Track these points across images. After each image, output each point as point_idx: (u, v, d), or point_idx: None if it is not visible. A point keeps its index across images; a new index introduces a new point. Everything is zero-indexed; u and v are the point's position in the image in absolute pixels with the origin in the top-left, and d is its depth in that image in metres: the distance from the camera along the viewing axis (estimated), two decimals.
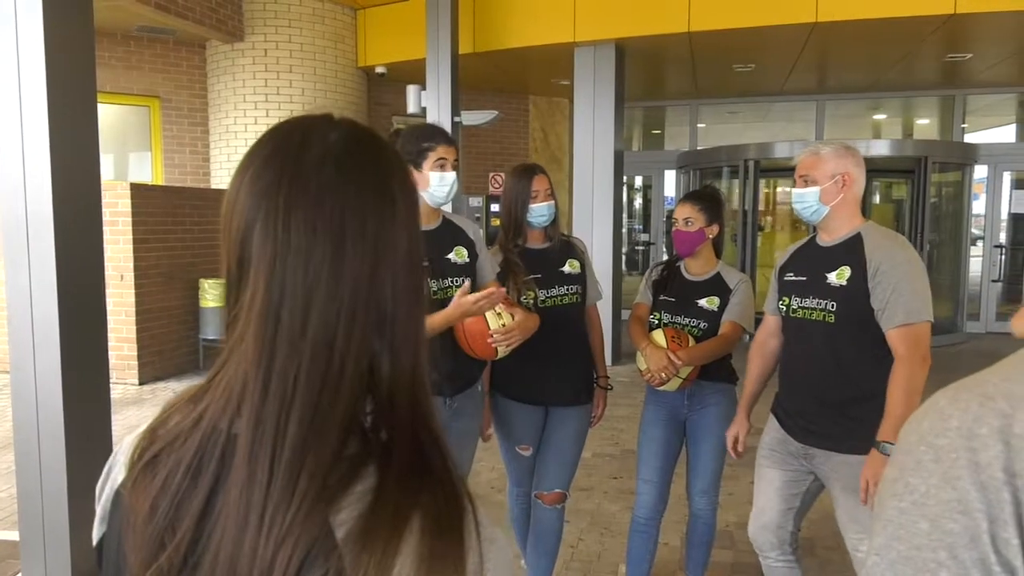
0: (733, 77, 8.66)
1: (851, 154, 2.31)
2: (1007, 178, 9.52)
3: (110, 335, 3.46)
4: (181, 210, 6.93)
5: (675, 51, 7.53)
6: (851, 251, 2.26)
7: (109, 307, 3.37)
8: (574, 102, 7.66)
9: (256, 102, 7.70)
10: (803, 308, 2.34)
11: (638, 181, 11.51)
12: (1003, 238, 9.59)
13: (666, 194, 10.62)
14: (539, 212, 2.70)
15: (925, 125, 11.50)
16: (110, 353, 3.26)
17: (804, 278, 2.35)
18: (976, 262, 9.59)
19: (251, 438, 0.59)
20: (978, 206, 9.77)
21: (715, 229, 2.78)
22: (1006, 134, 11.10)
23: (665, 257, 2.94)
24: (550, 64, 8.06)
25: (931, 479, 0.54)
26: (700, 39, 6.94)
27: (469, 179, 9.11)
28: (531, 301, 2.67)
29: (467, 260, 2.51)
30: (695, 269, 2.81)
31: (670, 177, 10.37)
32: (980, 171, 9.36)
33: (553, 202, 2.74)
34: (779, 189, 9.95)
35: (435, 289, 2.40)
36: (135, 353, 6.48)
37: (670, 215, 2.44)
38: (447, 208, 2.60)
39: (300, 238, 0.61)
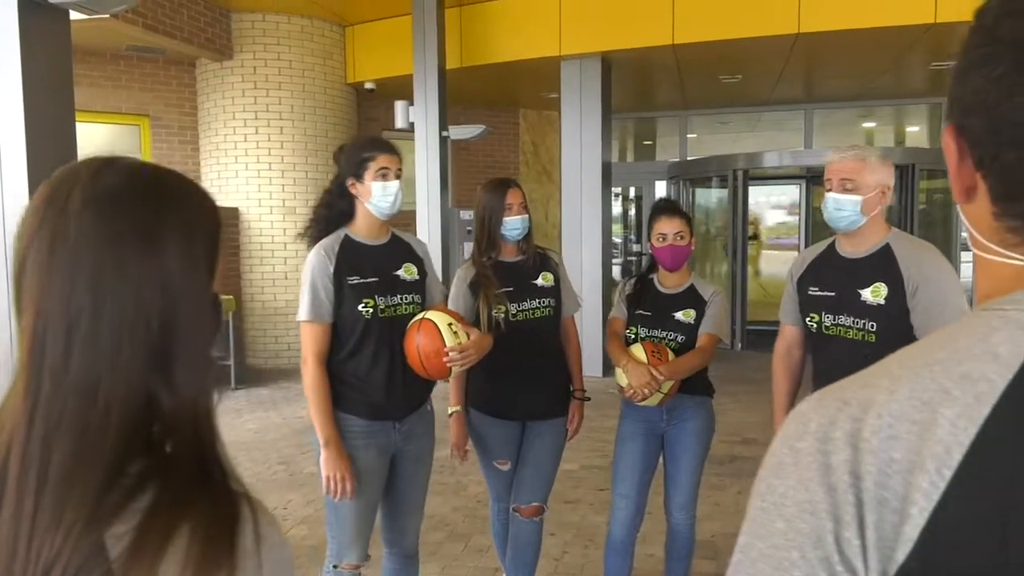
0: (721, 88, 8.71)
1: (889, 165, 2.27)
2: None
3: None
4: None
5: (661, 63, 7.58)
6: (884, 265, 2.19)
7: None
8: (561, 115, 7.70)
9: (246, 119, 7.73)
10: (837, 326, 2.27)
11: (632, 192, 11.55)
12: None
13: None
14: (512, 225, 2.72)
15: (915, 133, 11.55)
16: None
17: (833, 293, 2.28)
18: (967, 267, 9.61)
19: (18, 472, 0.64)
20: None
21: (695, 241, 2.81)
22: None
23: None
24: (538, 77, 8.11)
25: (789, 480, 0.56)
26: (685, 51, 6.99)
27: (460, 193, 9.15)
28: (502, 315, 2.68)
29: (417, 277, 2.50)
30: (670, 282, 2.81)
31: (661, 188, 10.40)
32: None
33: (527, 216, 2.75)
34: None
35: (383, 306, 2.38)
36: None
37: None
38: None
39: (61, 283, 0.66)
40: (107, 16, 6.01)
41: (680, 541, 2.86)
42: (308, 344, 2.35)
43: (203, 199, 0.76)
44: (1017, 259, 0.58)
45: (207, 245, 0.73)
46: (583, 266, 7.62)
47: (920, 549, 0.51)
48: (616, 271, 10.73)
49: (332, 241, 2.39)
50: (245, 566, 0.65)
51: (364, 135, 2.53)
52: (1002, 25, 0.56)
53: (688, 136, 10.51)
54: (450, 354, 2.32)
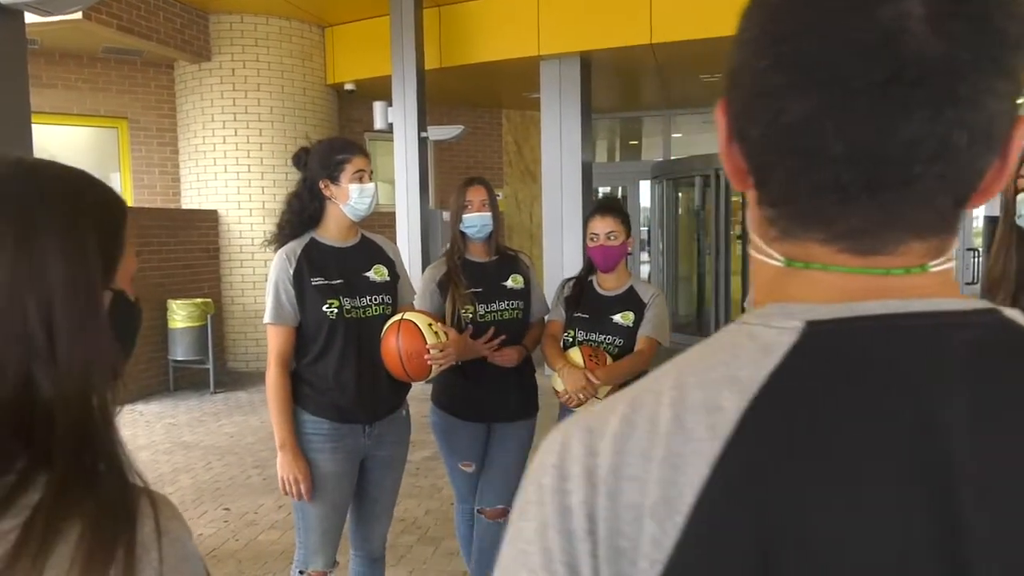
0: (703, 87, 8.71)
1: None
2: None
3: None
4: (150, 231, 6.91)
5: (641, 63, 7.57)
6: None
7: None
8: (541, 115, 7.68)
9: (225, 121, 7.69)
10: None
11: (618, 192, 11.54)
12: (977, 242, 9.64)
13: (642, 204, 10.65)
14: (470, 222, 2.70)
15: None
16: None
17: None
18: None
19: None
20: None
21: (632, 241, 2.76)
22: None
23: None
24: (519, 77, 8.09)
25: (532, 523, 0.49)
26: (664, 50, 6.98)
27: (444, 194, 9.11)
28: (469, 315, 2.66)
29: (387, 279, 2.47)
30: (608, 284, 2.76)
31: (645, 187, 10.40)
32: None
33: (488, 214, 2.72)
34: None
35: (349, 307, 2.36)
36: None
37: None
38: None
39: None
40: (80, 17, 5.98)
41: None
42: (271, 346, 2.35)
43: (98, 192, 0.75)
44: (776, 259, 0.51)
45: (100, 238, 0.73)
46: (564, 266, 7.60)
47: None
48: None
49: (296, 245, 2.37)
50: (143, 561, 0.64)
51: (333, 137, 2.50)
52: None
53: (673, 136, 10.51)
54: (431, 352, 2.32)
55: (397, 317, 2.38)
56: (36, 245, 0.68)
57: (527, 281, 2.81)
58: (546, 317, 2.89)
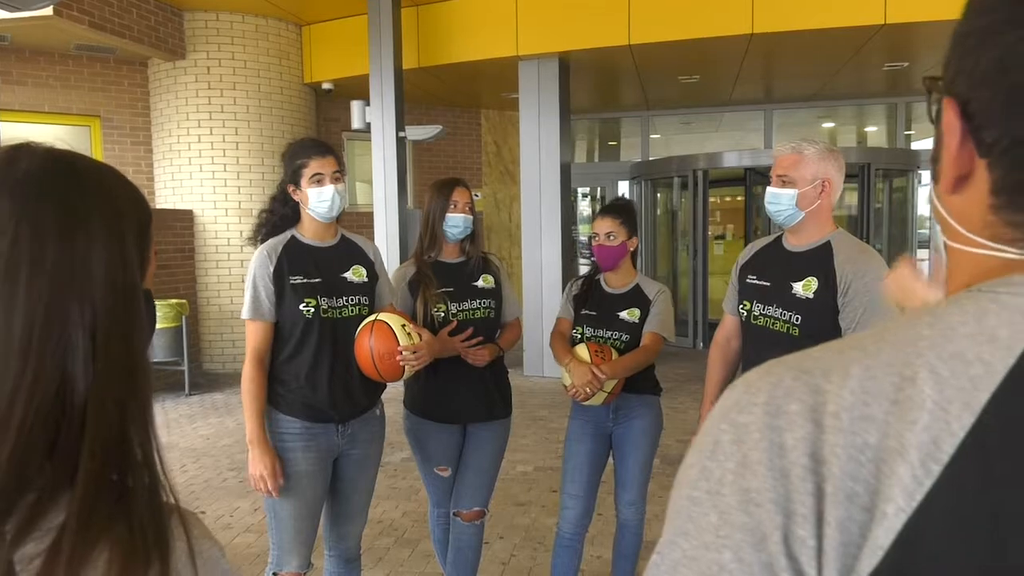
0: (681, 88, 8.75)
1: (834, 157, 2.20)
2: None
3: None
4: None
5: (619, 63, 7.59)
6: (820, 261, 2.15)
7: None
8: (520, 115, 7.67)
9: (200, 120, 7.60)
10: (765, 316, 2.25)
11: (597, 192, 11.57)
12: None
13: None
14: (454, 222, 2.69)
15: (874, 132, 11.72)
16: None
17: (767, 284, 2.27)
18: (923, 266, 9.77)
19: None
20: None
21: (635, 242, 2.79)
22: None
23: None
24: (498, 78, 8.08)
25: (728, 463, 0.46)
26: (641, 51, 7.00)
27: (423, 194, 9.08)
28: (441, 314, 2.65)
29: (366, 280, 2.47)
30: (615, 282, 2.81)
31: (623, 188, 10.43)
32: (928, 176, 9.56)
33: (471, 216, 2.73)
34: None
35: (326, 307, 2.35)
36: None
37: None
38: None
39: None
40: (51, 14, 5.88)
41: (628, 538, 2.85)
42: (248, 342, 2.35)
43: (130, 189, 0.72)
44: (1010, 252, 0.49)
45: (135, 236, 0.70)
46: (543, 266, 7.61)
47: (893, 559, 0.41)
48: (584, 271, 10.73)
49: (277, 242, 2.38)
50: None
51: (301, 138, 2.49)
52: None
53: (652, 137, 10.56)
54: (403, 354, 2.32)
55: (371, 318, 2.38)
56: (79, 242, 0.65)
57: (498, 281, 2.82)
58: (556, 315, 2.96)
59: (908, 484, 0.41)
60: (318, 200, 2.35)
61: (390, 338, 2.32)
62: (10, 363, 0.61)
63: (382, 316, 2.38)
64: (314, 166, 2.34)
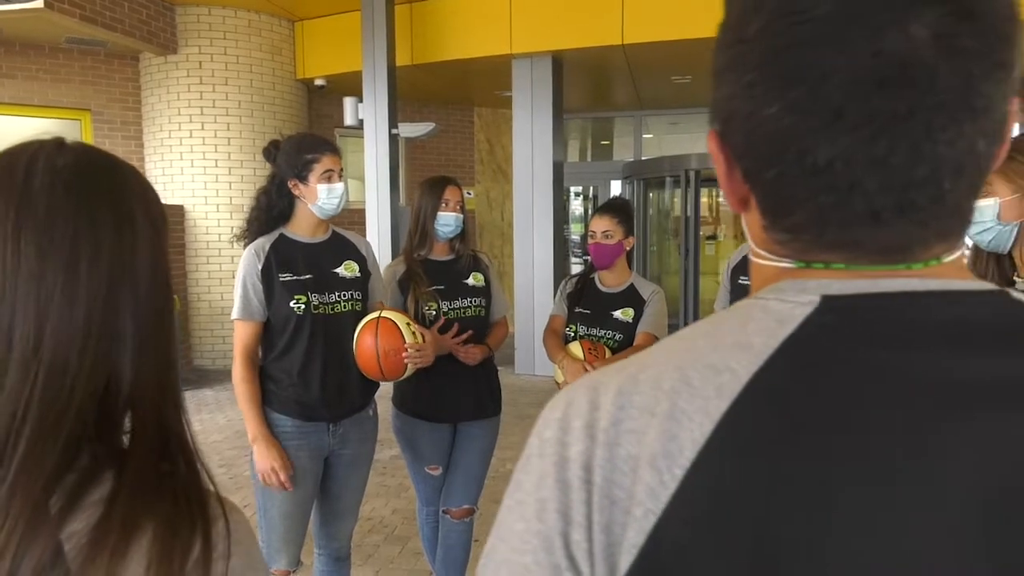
0: (674, 88, 8.76)
1: None
2: None
3: None
4: None
5: (612, 63, 7.59)
6: None
7: None
8: (513, 113, 7.67)
9: (191, 115, 7.56)
10: None
11: (591, 191, 11.58)
12: None
13: None
14: (446, 221, 2.69)
15: None
16: None
17: None
18: None
19: None
20: None
21: (631, 241, 2.80)
22: None
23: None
24: (491, 76, 8.07)
25: (532, 476, 0.50)
26: (635, 51, 7.01)
27: (415, 190, 9.07)
28: (433, 312, 2.66)
29: (358, 275, 2.46)
30: (610, 281, 2.82)
31: (616, 187, 10.44)
32: None
33: (462, 215, 2.73)
34: None
35: (317, 303, 2.34)
36: None
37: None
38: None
39: (31, 263, 0.62)
40: (41, 6, 5.84)
41: None
42: (237, 341, 2.34)
43: (153, 188, 0.75)
44: (786, 263, 0.53)
45: (165, 231, 0.73)
46: (535, 265, 7.61)
47: (645, 557, 0.45)
48: (576, 269, 10.75)
49: (264, 240, 2.36)
50: (215, 568, 0.62)
51: (304, 133, 2.48)
52: (749, 23, 0.48)
53: (644, 136, 10.57)
54: (409, 351, 2.33)
55: (374, 315, 2.37)
56: (127, 236, 0.67)
57: (488, 280, 2.83)
58: (548, 313, 2.97)
59: (655, 488, 0.45)
60: (328, 197, 2.33)
61: (396, 335, 2.33)
62: (71, 353, 0.63)
63: (387, 313, 2.38)
64: (327, 162, 2.33)
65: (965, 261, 0.52)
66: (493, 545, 0.52)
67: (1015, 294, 0.50)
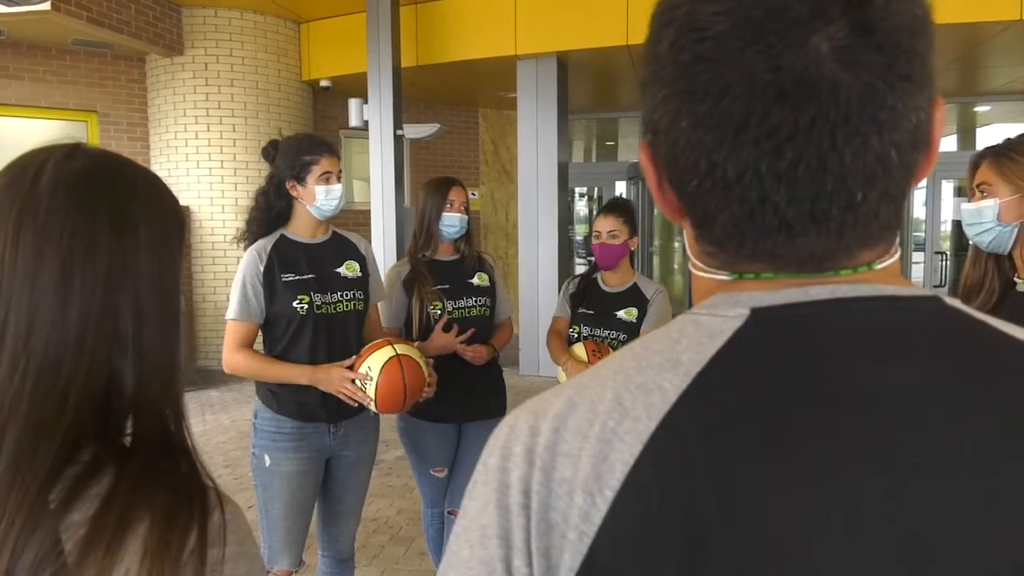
0: None
1: None
2: (947, 187, 9.75)
3: None
4: None
5: (617, 63, 7.59)
6: None
7: None
8: (518, 114, 7.68)
9: (197, 116, 7.59)
10: None
11: (595, 192, 11.59)
12: (945, 245, 9.81)
13: None
14: (450, 221, 2.70)
15: None
16: None
17: None
18: (918, 268, 9.80)
19: None
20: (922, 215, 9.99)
21: (636, 241, 2.80)
22: (947, 143, 11.39)
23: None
24: (496, 77, 8.08)
25: (476, 502, 0.51)
26: (640, 52, 6.97)
27: (419, 192, 9.07)
28: (438, 312, 2.66)
29: (359, 275, 2.46)
30: (613, 281, 2.81)
31: (621, 188, 10.44)
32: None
33: (467, 216, 2.74)
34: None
35: (319, 303, 2.34)
36: None
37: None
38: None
39: (27, 262, 0.64)
40: (48, 9, 5.87)
41: None
42: (230, 339, 2.33)
43: (171, 195, 0.77)
44: (722, 275, 0.53)
45: (175, 236, 0.74)
46: (540, 266, 7.61)
47: None
48: (581, 270, 10.74)
49: (265, 242, 2.35)
50: (210, 555, 0.63)
51: (302, 134, 2.46)
52: (661, 39, 0.49)
53: None
54: (431, 383, 2.40)
55: (390, 352, 2.28)
56: (128, 241, 0.68)
57: (492, 280, 2.83)
58: (552, 314, 2.96)
59: (588, 511, 0.45)
60: (327, 198, 2.33)
61: (420, 373, 2.34)
62: (66, 353, 0.64)
63: (401, 350, 2.31)
64: (325, 164, 2.33)
65: (899, 268, 0.53)
66: (443, 572, 0.52)
67: (949, 301, 0.50)
